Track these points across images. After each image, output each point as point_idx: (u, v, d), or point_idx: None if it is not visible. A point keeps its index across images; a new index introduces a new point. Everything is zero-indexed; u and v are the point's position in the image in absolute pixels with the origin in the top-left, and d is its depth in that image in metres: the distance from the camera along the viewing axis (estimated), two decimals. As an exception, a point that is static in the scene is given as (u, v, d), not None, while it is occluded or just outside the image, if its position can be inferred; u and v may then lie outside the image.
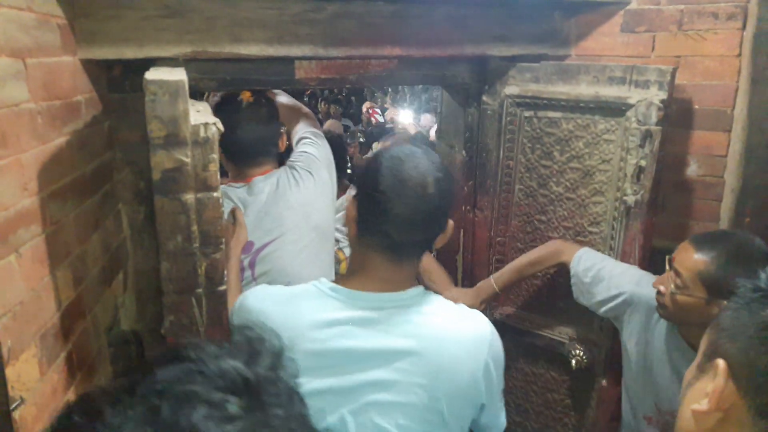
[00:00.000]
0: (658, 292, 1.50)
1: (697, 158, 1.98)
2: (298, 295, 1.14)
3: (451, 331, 1.11)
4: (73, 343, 1.25)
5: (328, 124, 8.37)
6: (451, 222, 1.16)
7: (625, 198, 1.85)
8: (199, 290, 1.21)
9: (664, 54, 1.97)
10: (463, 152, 2.23)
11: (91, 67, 1.41)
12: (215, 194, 1.20)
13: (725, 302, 1.36)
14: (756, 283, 0.78)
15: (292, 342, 1.08)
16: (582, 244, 2.00)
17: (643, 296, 1.63)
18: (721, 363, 0.74)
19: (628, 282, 1.69)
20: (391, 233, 1.08)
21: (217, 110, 1.92)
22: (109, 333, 1.53)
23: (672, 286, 1.44)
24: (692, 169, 1.99)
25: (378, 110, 5.51)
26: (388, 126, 5.57)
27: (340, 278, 1.16)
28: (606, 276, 1.73)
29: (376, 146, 4.64)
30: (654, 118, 1.75)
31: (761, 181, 1.85)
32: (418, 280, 1.41)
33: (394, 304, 1.10)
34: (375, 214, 1.08)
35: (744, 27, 1.83)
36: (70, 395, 1.24)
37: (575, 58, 2.15)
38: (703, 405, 0.75)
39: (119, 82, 1.59)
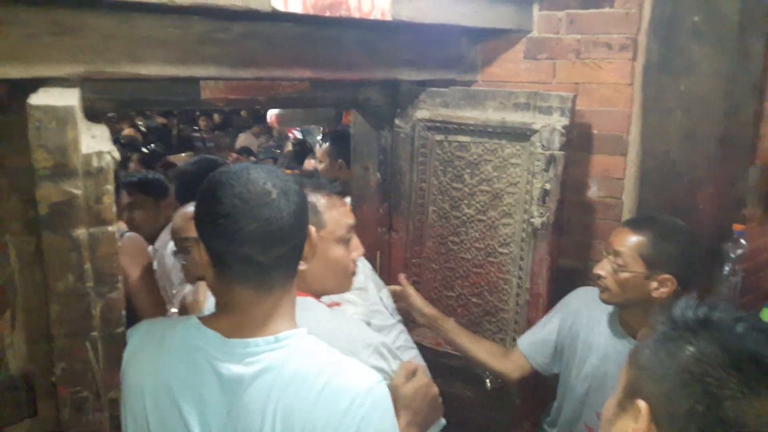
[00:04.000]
0: (599, 278, 1.63)
1: (597, 180, 2.08)
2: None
3: (322, 385, 0.98)
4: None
5: (242, 139, 8.17)
6: (311, 228, 1.07)
7: (532, 220, 1.91)
8: (94, 333, 1.12)
9: (565, 80, 2.07)
10: (378, 174, 2.23)
11: (-30, 88, 1.29)
12: (110, 228, 1.12)
13: (661, 276, 1.52)
14: (671, 317, 0.79)
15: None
16: (492, 264, 2.05)
17: (572, 301, 1.82)
18: (643, 406, 0.76)
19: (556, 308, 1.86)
20: (253, 256, 0.98)
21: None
22: (-7, 379, 1.39)
23: (614, 266, 1.58)
24: (593, 191, 2.09)
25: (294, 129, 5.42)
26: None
27: (210, 316, 1.05)
28: (542, 320, 1.88)
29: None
30: (557, 144, 1.82)
31: (654, 203, 1.98)
32: None
33: (265, 350, 1.00)
34: (227, 243, 0.98)
35: (635, 57, 1.95)
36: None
37: (482, 83, 2.21)
38: None
39: (4, 103, 1.45)
